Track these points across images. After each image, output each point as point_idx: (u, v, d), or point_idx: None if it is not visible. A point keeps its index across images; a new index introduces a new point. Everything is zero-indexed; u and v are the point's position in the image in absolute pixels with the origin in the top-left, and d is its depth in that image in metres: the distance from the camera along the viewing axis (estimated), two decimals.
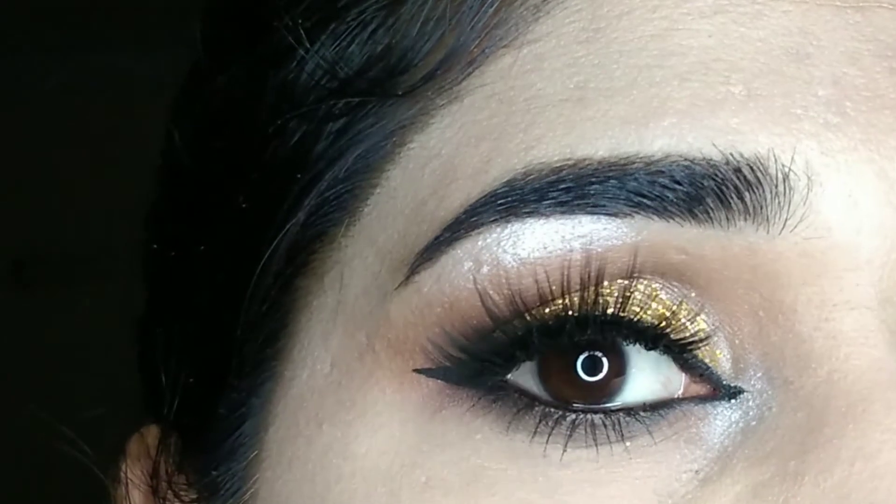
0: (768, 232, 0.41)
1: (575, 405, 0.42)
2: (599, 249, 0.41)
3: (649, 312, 0.42)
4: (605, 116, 0.42)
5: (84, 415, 0.55)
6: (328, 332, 0.45)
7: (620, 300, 0.42)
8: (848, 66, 0.42)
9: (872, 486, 0.38)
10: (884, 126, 0.41)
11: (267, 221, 0.45)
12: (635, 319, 0.42)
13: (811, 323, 0.41)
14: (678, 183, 0.41)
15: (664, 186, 0.41)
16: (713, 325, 0.42)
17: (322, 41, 0.45)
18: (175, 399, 0.48)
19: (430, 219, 0.43)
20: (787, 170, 0.41)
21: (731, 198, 0.41)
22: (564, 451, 0.41)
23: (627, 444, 0.41)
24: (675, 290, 0.42)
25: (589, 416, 0.41)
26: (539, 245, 0.41)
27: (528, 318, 0.42)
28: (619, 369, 0.42)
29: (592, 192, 0.41)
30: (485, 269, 0.42)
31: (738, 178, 0.41)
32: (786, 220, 0.41)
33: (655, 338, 0.42)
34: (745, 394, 0.41)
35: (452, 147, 0.43)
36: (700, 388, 0.42)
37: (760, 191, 0.41)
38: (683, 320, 0.42)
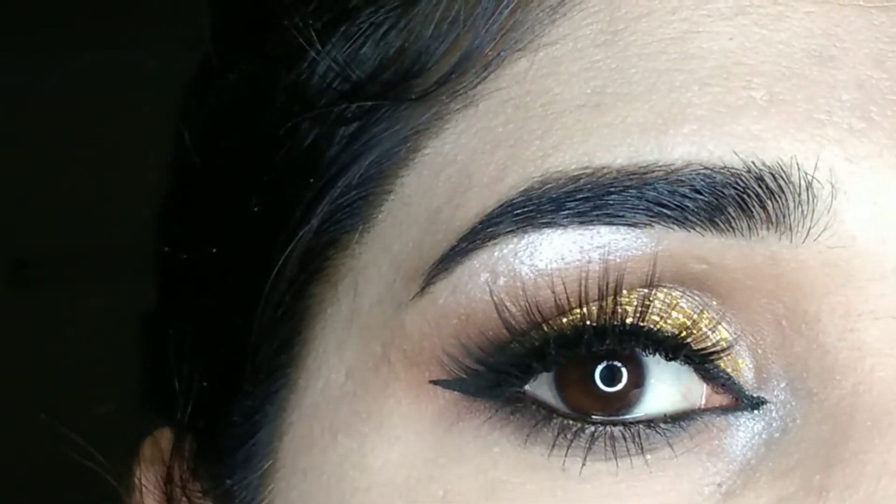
0: (791, 241, 0.40)
1: (594, 417, 0.41)
2: (618, 260, 0.40)
3: (669, 322, 0.41)
4: (623, 123, 0.41)
5: (84, 415, 0.55)
6: (343, 340, 0.44)
7: (640, 309, 0.41)
8: (873, 69, 0.41)
9: None
10: None
11: (280, 226, 0.45)
12: (655, 329, 0.41)
13: (835, 333, 0.40)
14: (698, 192, 0.40)
15: (684, 196, 0.40)
16: (735, 334, 0.41)
17: (333, 42, 0.44)
18: (189, 402, 0.48)
19: (445, 228, 0.42)
20: (810, 178, 0.40)
21: (753, 207, 0.40)
22: (584, 464, 0.41)
23: (648, 456, 0.41)
24: (696, 298, 0.41)
25: (608, 428, 0.41)
26: (557, 256, 0.41)
27: (546, 328, 0.41)
28: (639, 380, 0.41)
29: (611, 202, 0.40)
30: (501, 281, 0.41)
31: (760, 186, 0.40)
32: (809, 228, 0.40)
33: (676, 347, 0.41)
34: (768, 404, 0.41)
35: (468, 153, 0.42)
36: (722, 399, 0.41)
37: (783, 199, 0.40)
38: (705, 329, 0.41)
